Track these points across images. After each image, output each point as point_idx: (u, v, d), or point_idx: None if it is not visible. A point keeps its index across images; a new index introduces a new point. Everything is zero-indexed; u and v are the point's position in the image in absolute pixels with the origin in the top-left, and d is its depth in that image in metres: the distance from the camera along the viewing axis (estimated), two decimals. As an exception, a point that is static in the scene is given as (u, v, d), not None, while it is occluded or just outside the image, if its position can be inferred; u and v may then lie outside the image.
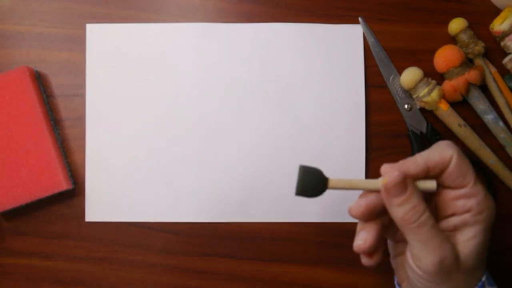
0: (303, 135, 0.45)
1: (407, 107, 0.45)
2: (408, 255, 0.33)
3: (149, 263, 0.45)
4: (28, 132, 0.43)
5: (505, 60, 0.45)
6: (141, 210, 0.45)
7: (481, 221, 0.32)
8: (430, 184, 0.33)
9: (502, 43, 0.45)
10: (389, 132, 0.46)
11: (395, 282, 0.37)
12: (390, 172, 0.32)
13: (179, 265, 0.45)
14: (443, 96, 0.44)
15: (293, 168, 0.45)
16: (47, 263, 0.45)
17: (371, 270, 0.44)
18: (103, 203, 0.45)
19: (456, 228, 0.33)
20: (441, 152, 0.32)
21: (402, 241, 0.35)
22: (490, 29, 0.45)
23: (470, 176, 0.32)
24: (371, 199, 0.33)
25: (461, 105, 0.45)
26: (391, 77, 0.46)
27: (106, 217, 0.45)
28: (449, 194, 0.33)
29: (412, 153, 0.45)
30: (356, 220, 0.34)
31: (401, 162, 0.32)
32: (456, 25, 0.45)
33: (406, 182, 0.31)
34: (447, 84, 0.44)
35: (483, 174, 0.45)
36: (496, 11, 0.46)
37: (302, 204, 0.45)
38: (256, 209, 0.45)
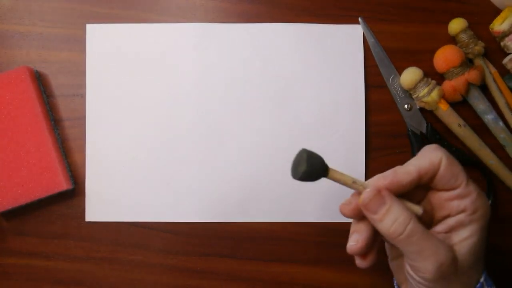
0: (303, 135, 0.45)
1: (407, 107, 0.45)
2: (407, 266, 0.33)
3: (149, 263, 0.45)
4: (28, 132, 0.43)
5: (505, 60, 0.45)
6: (141, 210, 0.45)
7: (476, 220, 0.32)
8: (416, 209, 0.33)
9: (502, 43, 0.45)
10: (389, 132, 0.46)
11: (395, 284, 0.37)
12: (380, 183, 0.32)
13: (179, 265, 0.45)
14: (443, 96, 0.44)
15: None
16: (47, 263, 0.45)
17: (371, 270, 0.44)
18: (103, 203, 0.45)
19: (452, 229, 0.33)
20: (430, 156, 0.32)
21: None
22: (490, 29, 0.45)
23: (462, 176, 0.32)
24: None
25: (461, 105, 0.45)
26: (391, 77, 0.46)
27: (106, 217, 0.45)
28: (443, 196, 0.33)
29: (412, 153, 0.45)
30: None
31: (392, 173, 0.32)
32: (456, 25, 0.45)
33: (383, 195, 0.31)
34: (447, 84, 0.44)
35: (483, 174, 0.45)
36: (496, 11, 0.46)
37: (302, 204, 0.45)
38: (256, 209, 0.45)
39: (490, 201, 0.45)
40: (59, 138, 0.45)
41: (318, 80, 0.46)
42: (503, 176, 0.45)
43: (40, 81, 0.45)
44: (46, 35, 0.46)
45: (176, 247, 0.45)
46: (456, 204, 0.33)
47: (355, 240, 0.33)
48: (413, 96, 0.45)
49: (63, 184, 0.43)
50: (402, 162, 0.34)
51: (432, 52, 0.45)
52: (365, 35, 0.46)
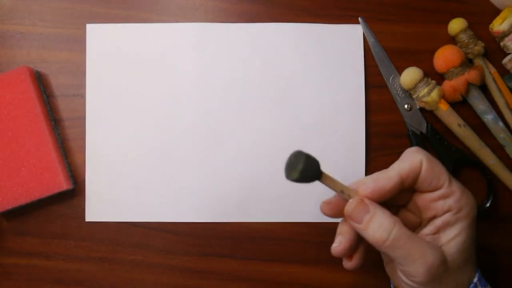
0: (303, 135, 0.45)
1: (407, 107, 0.45)
2: (398, 271, 0.33)
3: (149, 263, 0.45)
4: (28, 132, 0.43)
5: (505, 60, 0.45)
6: (141, 210, 0.45)
7: (462, 219, 0.32)
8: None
9: (501, 43, 0.45)
10: (389, 132, 0.46)
11: (392, 287, 0.37)
12: (363, 191, 0.32)
13: (179, 265, 0.45)
14: (443, 96, 0.44)
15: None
16: (47, 263, 0.45)
17: (371, 271, 0.44)
18: (103, 203, 0.45)
19: (439, 230, 0.33)
20: (410, 160, 0.33)
21: None
22: (490, 29, 0.45)
23: (444, 176, 0.32)
24: (340, 199, 0.33)
25: (461, 105, 0.45)
26: (391, 77, 0.46)
27: (106, 217, 0.45)
28: (427, 197, 0.33)
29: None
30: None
31: (373, 181, 0.32)
32: (456, 25, 0.45)
33: (365, 204, 0.32)
34: (447, 84, 0.44)
35: (483, 174, 0.45)
36: (496, 11, 0.46)
37: (302, 204, 0.45)
38: (256, 209, 0.45)
39: (490, 201, 0.45)
40: (59, 138, 0.45)
41: (318, 80, 0.46)
42: (503, 176, 0.45)
43: (40, 81, 0.45)
44: (46, 35, 0.46)
45: (176, 247, 0.45)
46: (441, 204, 0.33)
47: (339, 242, 0.34)
48: (413, 96, 0.45)
49: (63, 184, 0.43)
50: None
51: (432, 52, 0.45)
52: (365, 35, 0.46)
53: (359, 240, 0.34)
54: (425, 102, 0.44)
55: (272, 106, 0.46)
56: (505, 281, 0.45)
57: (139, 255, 0.45)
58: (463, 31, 0.45)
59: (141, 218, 0.45)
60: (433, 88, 0.44)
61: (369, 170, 0.45)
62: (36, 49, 0.46)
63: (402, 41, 0.46)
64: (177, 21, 0.46)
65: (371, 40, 0.46)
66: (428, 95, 0.44)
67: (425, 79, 0.44)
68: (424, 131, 0.45)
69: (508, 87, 0.45)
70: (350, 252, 0.34)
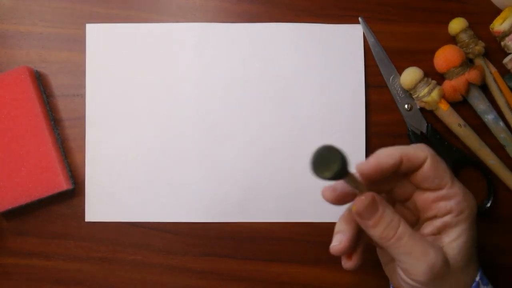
0: (303, 135, 0.45)
1: (407, 107, 0.45)
2: (399, 270, 0.33)
3: (149, 263, 0.45)
4: (28, 132, 0.43)
5: (505, 60, 0.45)
6: (141, 210, 0.45)
7: (463, 221, 0.32)
8: None
9: (502, 43, 0.45)
10: (389, 132, 0.46)
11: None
12: (364, 167, 0.32)
13: (179, 265, 0.45)
14: (443, 96, 0.44)
15: (293, 168, 0.45)
16: (47, 263, 0.45)
17: (372, 271, 0.44)
18: (103, 203, 0.45)
19: (440, 231, 0.33)
20: (417, 149, 0.33)
21: None
22: (490, 29, 0.45)
23: (447, 177, 0.32)
24: (347, 187, 0.33)
25: (461, 105, 0.45)
26: (391, 77, 0.46)
27: (106, 217, 0.45)
28: (429, 196, 0.33)
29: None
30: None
31: (377, 154, 0.32)
32: (456, 25, 0.45)
33: (376, 201, 0.31)
34: (447, 84, 0.44)
35: (483, 174, 0.45)
36: (496, 11, 0.46)
37: (302, 204, 0.45)
38: (256, 209, 0.45)
39: (490, 201, 0.45)
40: (59, 138, 0.45)
41: (318, 80, 0.46)
42: (503, 176, 0.45)
43: (40, 81, 0.45)
44: (46, 35, 0.46)
45: (176, 247, 0.45)
46: (443, 205, 0.33)
47: (338, 241, 0.33)
48: (413, 96, 0.45)
49: (63, 184, 0.43)
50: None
51: (432, 52, 0.45)
52: (365, 35, 0.46)
53: (358, 239, 0.34)
54: (425, 102, 0.44)
55: (272, 106, 0.46)
56: (505, 281, 0.45)
57: (139, 255, 0.45)
58: (464, 31, 0.45)
59: (141, 218, 0.45)
60: (433, 88, 0.44)
61: (369, 170, 0.45)
62: (36, 49, 0.46)
63: (402, 41, 0.46)
64: (177, 21, 0.46)
65: (371, 40, 0.46)
66: (428, 95, 0.44)
67: (425, 79, 0.44)
68: (424, 131, 0.45)
69: (509, 87, 0.45)
70: (349, 251, 0.34)
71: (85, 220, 0.45)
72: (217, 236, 0.45)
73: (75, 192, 0.45)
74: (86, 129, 0.45)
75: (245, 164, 0.45)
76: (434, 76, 0.45)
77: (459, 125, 0.44)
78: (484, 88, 0.45)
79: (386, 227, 0.31)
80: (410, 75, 0.44)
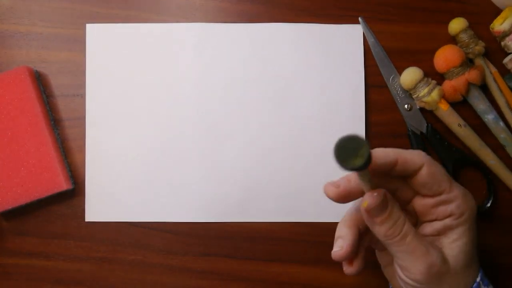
0: (303, 135, 0.45)
1: (407, 107, 0.45)
2: (397, 268, 0.33)
3: (149, 263, 0.45)
4: (28, 132, 0.43)
5: (506, 60, 0.45)
6: (141, 210, 0.45)
7: (463, 223, 0.32)
8: None
9: (502, 43, 0.45)
10: (389, 132, 0.46)
11: None
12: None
13: (179, 265, 0.45)
14: (443, 96, 0.44)
15: (293, 168, 0.45)
16: (47, 263, 0.45)
17: (371, 271, 0.44)
18: (103, 203, 0.45)
19: (440, 233, 0.33)
20: (413, 154, 0.32)
21: (386, 249, 0.35)
22: (491, 29, 0.45)
23: (445, 182, 0.32)
24: (353, 182, 0.33)
25: (461, 105, 0.45)
26: (391, 77, 0.46)
27: (106, 217, 0.45)
28: (428, 202, 0.33)
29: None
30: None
31: (374, 150, 0.32)
32: (456, 25, 0.45)
33: (387, 198, 0.31)
34: (447, 84, 0.44)
35: (483, 174, 0.45)
36: (497, 11, 0.46)
37: (302, 204, 0.45)
38: (256, 209, 0.45)
39: (490, 201, 0.45)
40: (59, 138, 0.45)
41: (318, 80, 0.46)
42: (503, 176, 0.45)
43: (40, 81, 0.45)
44: (46, 35, 0.46)
45: (176, 247, 0.45)
46: (442, 209, 0.33)
47: (340, 246, 0.33)
48: (413, 96, 0.45)
49: (63, 184, 0.43)
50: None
51: (432, 52, 0.45)
52: (365, 35, 0.46)
53: (360, 243, 0.34)
54: (425, 102, 0.44)
55: (272, 106, 0.46)
56: (505, 281, 0.45)
57: (139, 255, 0.45)
58: (464, 31, 0.44)
59: (141, 218, 0.45)
60: (433, 88, 0.44)
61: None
62: (36, 49, 0.46)
63: (402, 41, 0.46)
64: (177, 21, 0.46)
65: (371, 40, 0.46)
66: (428, 95, 0.44)
67: (425, 79, 0.44)
68: (424, 131, 0.45)
69: (509, 86, 0.45)
70: (351, 256, 0.34)
71: (85, 220, 0.45)
72: (217, 236, 0.45)
73: (75, 192, 0.45)
74: (86, 129, 0.45)
75: (245, 164, 0.45)
76: (434, 76, 0.45)
77: (459, 125, 0.44)
78: (484, 88, 0.45)
79: (392, 225, 0.31)
80: (410, 75, 0.44)
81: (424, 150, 0.44)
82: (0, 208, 0.43)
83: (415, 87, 0.44)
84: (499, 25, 0.44)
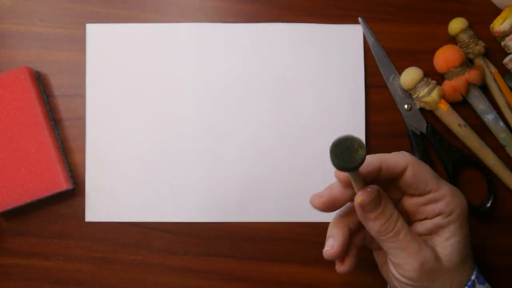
0: (303, 135, 0.45)
1: (407, 107, 0.45)
2: (391, 266, 0.33)
3: (149, 263, 0.45)
4: (28, 132, 0.43)
5: (506, 60, 0.45)
6: (141, 210, 0.45)
7: (454, 221, 0.32)
8: None
9: (502, 43, 0.45)
10: (389, 132, 0.46)
11: None
12: (342, 173, 0.32)
13: (179, 265, 0.45)
14: (443, 96, 0.44)
15: (293, 168, 0.45)
16: (47, 263, 0.45)
17: (371, 271, 0.44)
18: (103, 203, 0.45)
19: (432, 232, 0.33)
20: (396, 157, 0.33)
21: (382, 248, 0.35)
22: (491, 29, 0.45)
23: (432, 182, 0.32)
24: (335, 191, 0.33)
25: (461, 105, 0.45)
26: (391, 77, 0.46)
27: (106, 217, 0.45)
28: (417, 201, 0.33)
29: (412, 153, 0.45)
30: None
31: None
32: (456, 25, 0.45)
33: (380, 194, 0.32)
34: (447, 84, 0.44)
35: (483, 174, 0.45)
36: (496, 11, 0.46)
37: (302, 204, 0.45)
38: (256, 209, 0.45)
39: (490, 201, 0.45)
40: (59, 138, 0.45)
41: (318, 80, 0.46)
42: (503, 176, 0.45)
43: (40, 81, 0.45)
44: (46, 35, 0.46)
45: (176, 247, 0.45)
46: (431, 208, 0.33)
47: (330, 245, 0.33)
48: (413, 96, 0.45)
49: (63, 184, 0.43)
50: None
51: (432, 52, 0.45)
52: (365, 35, 0.46)
53: (350, 243, 0.34)
54: (425, 102, 0.44)
55: (272, 106, 0.46)
56: (505, 281, 0.45)
57: (139, 255, 0.45)
58: (464, 31, 0.44)
59: (141, 218, 0.45)
60: (433, 88, 0.44)
61: (369, 170, 0.45)
62: (36, 49, 0.46)
63: (402, 41, 0.46)
64: (177, 21, 0.46)
65: (371, 40, 0.46)
66: (428, 95, 0.44)
67: (425, 79, 0.44)
68: (424, 131, 0.45)
69: (509, 86, 0.45)
70: (342, 255, 0.34)
71: (85, 220, 0.45)
72: (217, 236, 0.45)
73: (75, 192, 0.45)
74: (86, 129, 0.45)
75: (245, 164, 0.45)
76: (434, 76, 0.45)
77: (459, 125, 0.44)
78: (484, 88, 0.45)
79: (386, 221, 0.31)
80: (410, 75, 0.44)
81: (424, 150, 0.44)
82: (0, 208, 0.43)
83: (415, 87, 0.44)
84: (499, 25, 0.44)
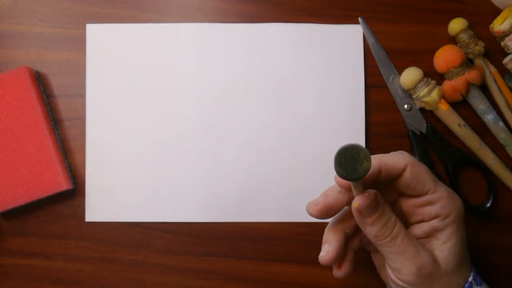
0: (303, 135, 0.45)
1: (407, 107, 0.45)
2: (388, 270, 0.33)
3: (149, 263, 0.45)
4: (28, 132, 0.43)
5: (505, 60, 0.45)
6: (141, 210, 0.45)
7: (451, 223, 0.32)
8: None
9: (502, 43, 0.45)
10: (389, 132, 0.46)
11: None
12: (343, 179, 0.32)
13: (179, 265, 0.45)
14: (443, 96, 0.44)
15: (293, 168, 0.45)
16: (47, 263, 0.45)
17: (371, 271, 0.44)
18: (103, 203, 0.45)
19: (429, 235, 0.33)
20: (396, 157, 0.33)
21: (379, 251, 0.35)
22: (490, 29, 0.45)
23: (430, 183, 0.32)
24: (331, 197, 0.33)
25: (461, 105, 0.45)
26: (391, 77, 0.46)
27: (106, 217, 0.45)
28: (414, 202, 0.33)
29: (412, 153, 0.45)
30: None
31: None
32: (456, 25, 0.45)
33: (377, 199, 0.31)
34: (447, 84, 0.44)
35: (483, 174, 0.45)
36: (496, 11, 0.46)
37: (302, 204, 0.45)
38: (256, 209, 0.45)
39: (490, 201, 0.45)
40: (59, 138, 0.45)
41: (318, 80, 0.46)
42: (503, 176, 0.45)
43: (40, 81, 0.45)
44: (46, 35, 0.46)
45: (176, 247, 0.45)
46: (428, 210, 0.33)
47: (326, 251, 0.34)
48: (413, 96, 0.45)
49: (63, 184, 0.43)
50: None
51: (432, 52, 0.45)
52: (365, 35, 0.46)
53: (346, 247, 0.34)
54: (425, 102, 0.44)
55: (272, 106, 0.46)
56: (505, 281, 0.45)
57: (139, 255, 0.45)
58: (464, 31, 0.45)
59: (141, 218, 0.45)
60: (433, 88, 0.44)
61: (369, 170, 0.45)
62: (36, 49, 0.46)
63: (402, 41, 0.46)
64: (177, 21, 0.46)
65: (371, 40, 0.46)
66: (428, 95, 0.44)
67: (425, 79, 0.44)
68: (424, 131, 0.45)
69: (509, 87, 0.45)
70: (338, 260, 0.34)
71: (85, 220, 0.45)
72: (217, 236, 0.45)
73: (75, 192, 0.45)
74: (86, 129, 0.45)
75: (245, 164, 0.45)
76: (434, 76, 0.45)
77: (459, 125, 0.44)
78: (484, 88, 0.45)
79: (383, 226, 0.31)
80: (410, 75, 0.44)
81: (424, 150, 0.44)
82: (0, 208, 0.43)
83: (415, 87, 0.44)
84: (499, 25, 0.44)
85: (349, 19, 0.46)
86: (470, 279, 0.33)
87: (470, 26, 0.45)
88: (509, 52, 0.45)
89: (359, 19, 0.46)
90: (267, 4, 0.46)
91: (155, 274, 0.45)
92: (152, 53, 0.46)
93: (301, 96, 0.46)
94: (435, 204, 0.32)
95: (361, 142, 0.45)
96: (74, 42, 0.46)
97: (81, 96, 0.46)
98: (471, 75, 0.43)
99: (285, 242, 0.45)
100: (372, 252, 0.38)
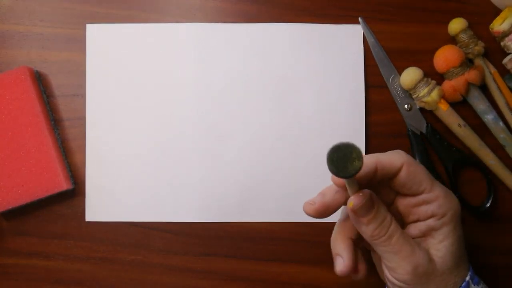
0: (303, 135, 0.45)
1: (407, 107, 0.45)
2: (385, 269, 0.33)
3: (149, 263, 0.45)
4: (28, 132, 0.43)
5: (505, 60, 0.45)
6: (141, 210, 0.45)
7: (447, 223, 0.32)
8: None
9: (502, 43, 0.45)
10: (389, 132, 0.46)
11: None
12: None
13: (179, 265, 0.45)
14: (443, 96, 0.44)
15: (293, 168, 0.45)
16: (47, 263, 0.45)
17: (370, 270, 0.44)
18: (103, 203, 0.45)
19: (425, 234, 0.33)
20: (392, 156, 0.33)
21: None
22: (490, 29, 0.45)
23: (426, 182, 0.32)
24: (327, 197, 0.33)
25: (461, 105, 0.45)
26: (391, 77, 0.46)
27: (106, 217, 0.45)
28: (410, 201, 0.33)
29: (412, 153, 0.45)
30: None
31: None
32: (456, 25, 0.45)
33: (372, 199, 0.31)
34: (447, 84, 0.44)
35: (483, 174, 0.45)
36: (496, 11, 0.46)
37: (302, 204, 0.45)
38: (256, 209, 0.45)
39: (490, 201, 0.45)
40: (59, 138, 0.45)
41: (318, 80, 0.46)
42: (503, 176, 0.45)
43: (40, 81, 0.45)
44: (46, 35, 0.46)
45: (176, 247, 0.45)
46: (424, 209, 0.33)
47: (342, 265, 0.33)
48: (413, 96, 0.45)
49: (63, 184, 0.43)
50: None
51: (432, 52, 0.45)
52: (365, 35, 0.46)
53: (357, 252, 0.34)
54: (425, 102, 0.44)
55: (272, 106, 0.46)
56: (505, 281, 0.45)
57: (139, 255, 0.45)
58: (463, 31, 0.45)
59: (141, 218, 0.45)
60: (433, 88, 0.44)
61: (369, 170, 0.45)
62: (36, 49, 0.46)
63: (402, 41, 0.46)
64: (177, 21, 0.46)
65: (371, 40, 0.46)
66: (428, 95, 0.44)
67: (425, 79, 0.44)
68: (424, 131, 0.45)
69: (509, 87, 0.45)
70: (355, 266, 0.34)
71: (85, 220, 0.45)
72: (217, 236, 0.45)
73: (75, 192, 0.45)
74: (86, 129, 0.45)
75: (245, 164, 0.45)
76: (434, 76, 0.45)
77: (459, 125, 0.44)
78: (483, 88, 0.45)
79: (378, 225, 0.31)
80: (410, 75, 0.44)
81: (424, 150, 0.45)
82: (0, 208, 0.43)
83: (415, 87, 0.44)
84: (498, 25, 0.44)
85: (349, 19, 0.46)
86: (467, 278, 0.33)
87: (470, 26, 0.45)
88: (509, 52, 0.45)
89: (359, 19, 0.46)
90: (267, 4, 0.46)
91: (155, 274, 0.45)
92: (152, 53, 0.46)
93: (301, 96, 0.46)
94: (431, 203, 0.32)
95: (361, 142, 0.45)
96: (74, 42, 0.46)
97: (81, 96, 0.46)
98: (471, 75, 0.43)
99: (285, 242, 0.45)
100: (372, 252, 0.38)
